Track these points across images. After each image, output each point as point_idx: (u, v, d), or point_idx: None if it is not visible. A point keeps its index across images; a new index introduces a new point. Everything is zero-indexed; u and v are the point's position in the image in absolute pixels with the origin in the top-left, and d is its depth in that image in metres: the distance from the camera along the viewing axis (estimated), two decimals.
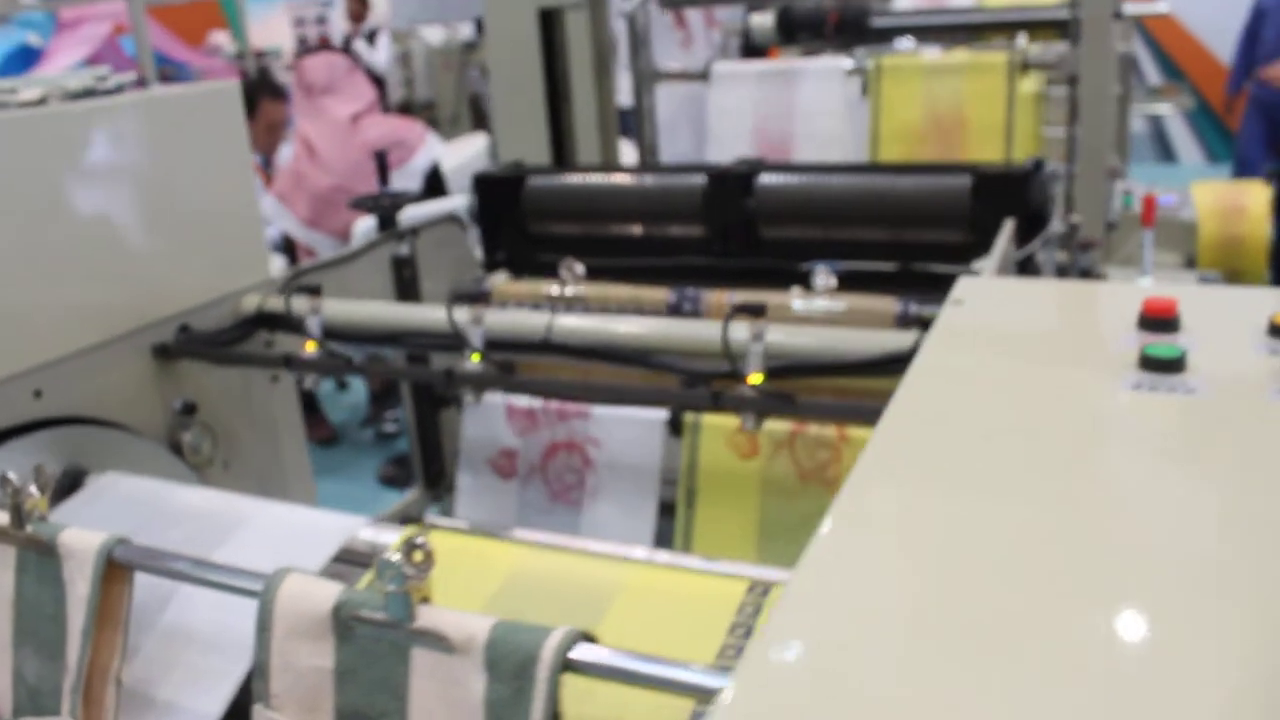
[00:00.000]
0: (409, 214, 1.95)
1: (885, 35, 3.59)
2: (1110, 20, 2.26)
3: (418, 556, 0.78)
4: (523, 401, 1.66)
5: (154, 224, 1.48)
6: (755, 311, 1.16)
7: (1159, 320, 0.99)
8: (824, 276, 1.66)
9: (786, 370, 1.19)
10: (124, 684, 0.99)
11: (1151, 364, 0.89)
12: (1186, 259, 3.32)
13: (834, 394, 1.33)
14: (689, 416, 1.50)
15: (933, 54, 2.79)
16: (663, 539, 1.54)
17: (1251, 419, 0.80)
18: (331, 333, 1.47)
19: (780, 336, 1.23)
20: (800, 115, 2.91)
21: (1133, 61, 4.77)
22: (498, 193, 2.08)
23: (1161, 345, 0.90)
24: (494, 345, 1.40)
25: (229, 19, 8.36)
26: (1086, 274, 2.33)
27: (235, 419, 1.60)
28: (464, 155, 4.41)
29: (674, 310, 1.80)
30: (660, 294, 1.81)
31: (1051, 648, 0.55)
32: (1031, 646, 0.56)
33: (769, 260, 1.92)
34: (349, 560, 1.11)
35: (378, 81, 7.64)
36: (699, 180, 1.93)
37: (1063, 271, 2.25)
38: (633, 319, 1.40)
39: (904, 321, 1.51)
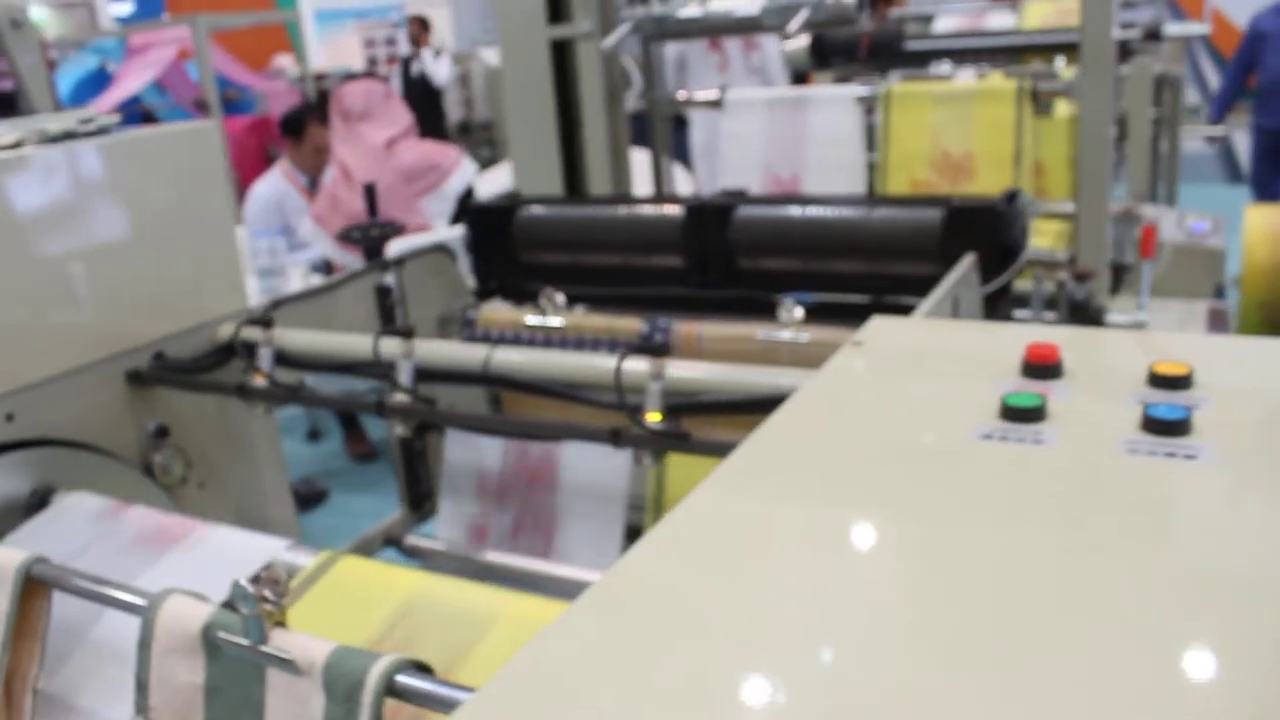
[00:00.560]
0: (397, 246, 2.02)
1: (919, 59, 3.57)
2: (1112, 44, 2.24)
3: (271, 584, 0.83)
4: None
5: (131, 256, 1.57)
6: (657, 350, 1.20)
7: (1039, 367, 0.99)
8: (788, 310, 1.69)
9: (684, 408, 1.22)
10: (46, 691, 1.07)
11: (1010, 413, 0.89)
12: (1215, 288, 3.24)
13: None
14: None
15: (941, 80, 2.78)
16: None
17: (1083, 472, 0.80)
18: (289, 361, 1.54)
19: (681, 373, 1.26)
20: (812, 142, 2.93)
21: (1177, 82, 4.64)
22: (490, 222, 2.15)
23: (1022, 394, 0.91)
24: (427, 376, 1.45)
25: (293, 43, 8.64)
26: (1081, 306, 2.30)
27: (209, 442, 1.68)
28: (499, 180, 4.50)
29: (645, 339, 1.84)
30: (634, 323, 1.85)
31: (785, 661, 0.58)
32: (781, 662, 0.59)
33: (747, 291, 1.95)
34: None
35: (434, 95, 7.82)
36: (678, 212, 1.97)
37: (1052, 303, 2.23)
38: (567, 354, 1.45)
39: None
